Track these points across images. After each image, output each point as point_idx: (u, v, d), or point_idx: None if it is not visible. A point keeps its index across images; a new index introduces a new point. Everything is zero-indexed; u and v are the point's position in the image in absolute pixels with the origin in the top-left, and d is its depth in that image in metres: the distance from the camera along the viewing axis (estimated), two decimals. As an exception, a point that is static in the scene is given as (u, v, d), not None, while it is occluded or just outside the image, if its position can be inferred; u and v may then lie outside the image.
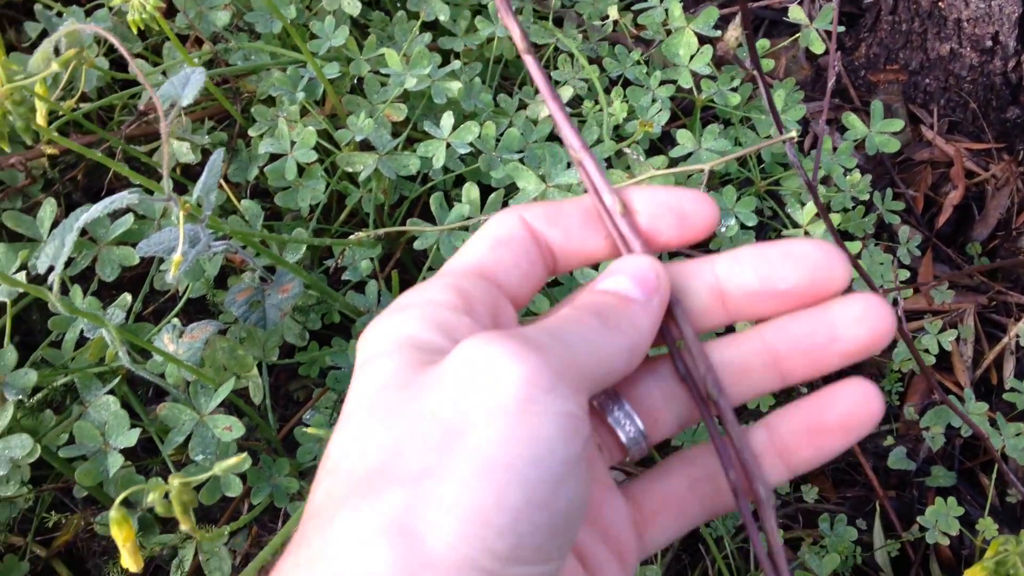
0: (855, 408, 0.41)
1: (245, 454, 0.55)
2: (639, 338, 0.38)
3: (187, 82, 0.72)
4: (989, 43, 1.34)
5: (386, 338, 0.36)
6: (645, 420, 0.43)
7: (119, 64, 1.14)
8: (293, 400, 1.14)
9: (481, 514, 0.31)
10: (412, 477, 0.32)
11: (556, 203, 0.41)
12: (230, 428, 0.83)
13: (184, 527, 0.54)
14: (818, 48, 1.10)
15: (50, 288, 0.70)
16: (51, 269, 0.72)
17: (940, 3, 1.35)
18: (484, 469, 0.31)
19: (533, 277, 0.41)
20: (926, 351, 1.20)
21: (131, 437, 0.82)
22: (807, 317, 0.40)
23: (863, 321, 0.39)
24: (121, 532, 0.58)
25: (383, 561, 0.30)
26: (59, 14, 1.10)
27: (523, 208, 0.41)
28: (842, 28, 1.14)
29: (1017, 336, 1.25)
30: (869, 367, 1.26)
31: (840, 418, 0.41)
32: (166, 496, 0.54)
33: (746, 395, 0.43)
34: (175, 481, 0.53)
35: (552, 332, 0.35)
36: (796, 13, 1.10)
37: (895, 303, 1.09)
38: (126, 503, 0.56)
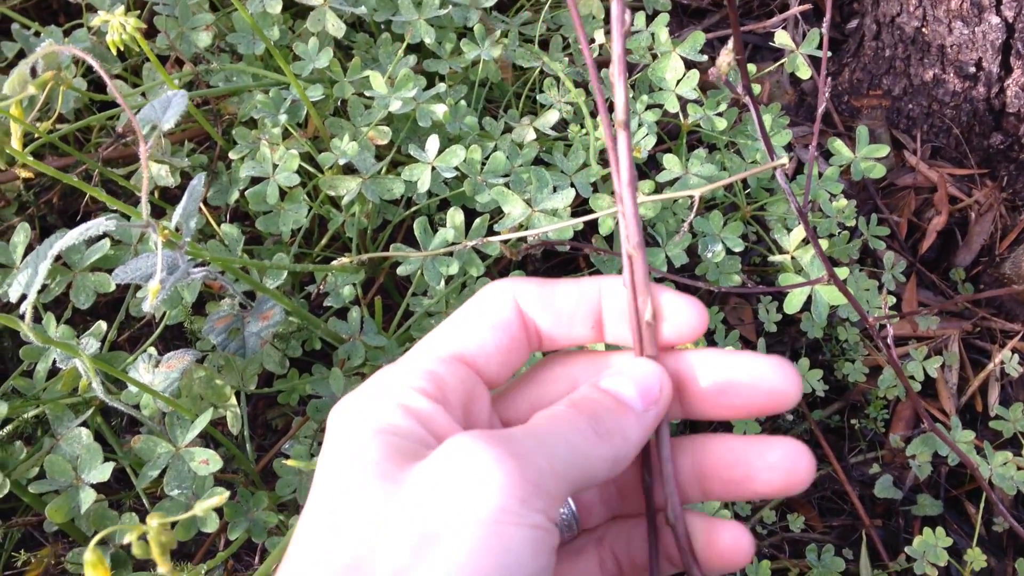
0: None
1: (225, 493, 0.53)
2: (627, 450, 0.38)
3: (168, 105, 0.70)
4: (972, 69, 1.35)
5: (365, 423, 0.37)
6: (580, 507, 0.45)
7: (98, 85, 1.12)
8: (272, 428, 1.11)
9: None
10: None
11: (551, 285, 0.42)
12: (207, 462, 0.81)
13: (162, 569, 0.51)
14: (804, 73, 1.09)
15: (22, 317, 0.68)
16: (23, 298, 0.69)
17: (924, 29, 1.36)
18: None
19: (514, 360, 0.42)
20: (912, 378, 1.20)
21: (104, 472, 0.79)
22: (733, 447, 0.42)
23: (778, 468, 0.40)
24: (96, 575, 0.55)
25: None
26: (37, 34, 1.07)
27: (517, 285, 0.42)
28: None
29: (1002, 363, 1.24)
30: (855, 394, 1.26)
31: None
32: (143, 537, 0.51)
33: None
34: (153, 522, 0.51)
35: (539, 436, 0.36)
36: (782, 38, 1.09)
37: (882, 328, 1.08)
38: (99, 540, 0.54)
